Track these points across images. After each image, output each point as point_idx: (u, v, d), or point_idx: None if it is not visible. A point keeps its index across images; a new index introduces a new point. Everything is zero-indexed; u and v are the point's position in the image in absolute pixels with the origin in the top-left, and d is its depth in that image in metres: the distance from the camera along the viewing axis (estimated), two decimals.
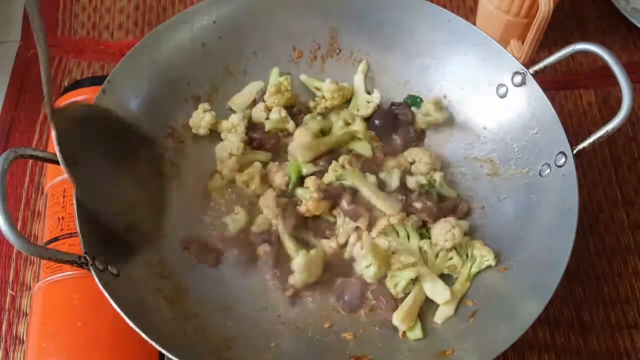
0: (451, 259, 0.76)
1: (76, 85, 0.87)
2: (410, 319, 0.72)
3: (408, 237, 0.77)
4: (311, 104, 0.87)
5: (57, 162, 0.69)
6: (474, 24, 0.83)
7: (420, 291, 0.74)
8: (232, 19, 0.84)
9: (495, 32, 0.97)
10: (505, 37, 0.97)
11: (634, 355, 0.82)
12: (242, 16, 0.84)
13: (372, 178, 0.80)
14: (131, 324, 0.62)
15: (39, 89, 0.98)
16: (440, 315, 0.73)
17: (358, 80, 0.88)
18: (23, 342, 0.81)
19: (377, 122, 0.86)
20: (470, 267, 0.75)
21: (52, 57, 1.03)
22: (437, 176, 0.81)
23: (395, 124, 0.86)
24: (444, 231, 0.76)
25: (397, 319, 0.72)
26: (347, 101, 0.88)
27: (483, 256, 0.75)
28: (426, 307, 0.74)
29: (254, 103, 0.86)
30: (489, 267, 0.75)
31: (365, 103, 0.87)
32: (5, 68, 1.01)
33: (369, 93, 0.88)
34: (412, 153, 0.83)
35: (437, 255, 0.76)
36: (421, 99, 0.86)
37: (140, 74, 0.79)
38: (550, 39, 1.02)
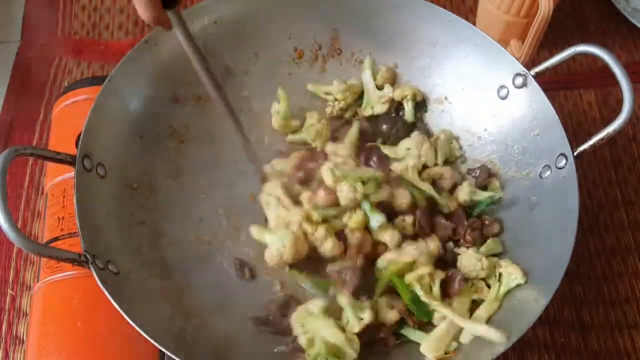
0: (472, 285, 0.74)
1: (76, 85, 0.87)
2: (440, 349, 0.69)
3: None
4: (327, 110, 0.86)
5: (57, 161, 0.69)
6: (474, 24, 0.83)
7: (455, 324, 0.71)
8: (233, 19, 0.84)
9: (495, 32, 0.96)
10: (505, 37, 0.97)
11: (634, 355, 0.82)
12: (243, 16, 0.84)
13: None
14: (131, 322, 0.62)
15: (39, 89, 0.99)
16: (465, 337, 0.70)
17: (366, 77, 0.88)
18: (23, 342, 0.81)
19: (384, 126, 0.86)
20: (499, 287, 0.72)
21: (52, 57, 1.03)
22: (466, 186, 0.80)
23: (403, 126, 0.85)
24: (471, 265, 0.73)
25: (425, 348, 0.69)
26: (359, 97, 0.88)
27: (510, 274, 0.72)
28: None
29: None
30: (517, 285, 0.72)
31: (378, 100, 0.86)
32: (5, 68, 1.01)
33: (379, 89, 0.87)
34: (432, 171, 0.81)
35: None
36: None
37: (140, 74, 0.79)
38: (550, 39, 1.02)
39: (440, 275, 0.73)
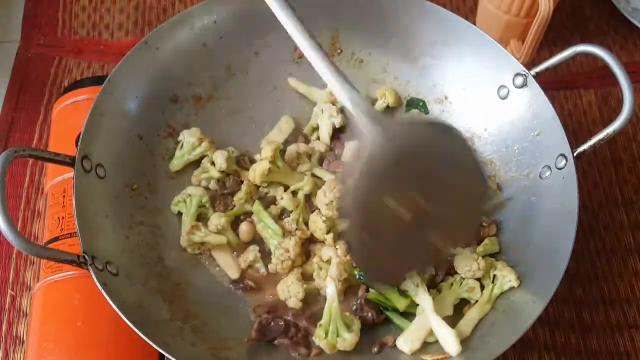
0: (462, 282, 0.73)
1: (76, 85, 0.87)
2: (415, 343, 0.69)
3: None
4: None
5: (55, 162, 0.69)
6: (474, 24, 0.83)
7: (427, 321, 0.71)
8: (233, 18, 0.84)
9: (495, 32, 0.96)
10: (505, 37, 0.97)
11: (634, 355, 0.82)
12: (243, 16, 0.84)
13: None
14: (129, 324, 0.62)
15: (39, 89, 0.99)
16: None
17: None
18: (23, 342, 0.81)
19: None
20: (492, 289, 0.72)
21: (52, 57, 1.03)
22: None
23: None
24: (467, 265, 0.73)
25: (401, 343, 0.70)
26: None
27: (504, 276, 0.72)
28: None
29: None
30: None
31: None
32: (5, 68, 1.01)
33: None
34: None
35: (451, 285, 0.74)
36: (424, 102, 0.86)
37: (140, 74, 0.79)
38: (550, 39, 1.02)
39: None
